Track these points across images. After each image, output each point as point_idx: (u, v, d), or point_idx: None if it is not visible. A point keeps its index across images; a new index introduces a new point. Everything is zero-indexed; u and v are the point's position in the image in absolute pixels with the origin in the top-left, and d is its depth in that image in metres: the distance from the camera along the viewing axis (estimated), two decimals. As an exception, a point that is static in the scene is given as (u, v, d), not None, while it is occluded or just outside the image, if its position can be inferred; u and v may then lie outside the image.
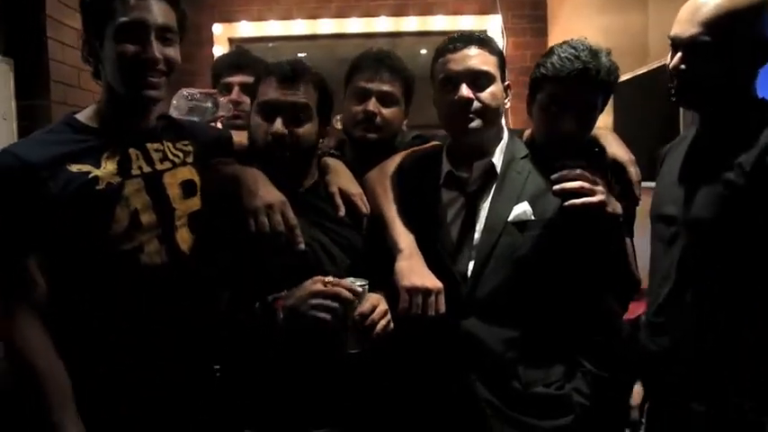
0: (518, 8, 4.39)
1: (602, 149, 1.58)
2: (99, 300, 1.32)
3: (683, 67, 1.33)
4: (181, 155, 1.46)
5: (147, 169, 1.39)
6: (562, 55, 1.47)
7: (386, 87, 1.78)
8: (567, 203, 1.42)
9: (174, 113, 1.80)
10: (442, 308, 1.35)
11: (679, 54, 1.33)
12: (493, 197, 1.48)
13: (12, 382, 1.30)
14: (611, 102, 1.62)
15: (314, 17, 4.42)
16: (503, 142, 1.54)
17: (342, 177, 1.58)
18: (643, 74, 2.77)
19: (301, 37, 4.43)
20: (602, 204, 1.41)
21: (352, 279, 1.36)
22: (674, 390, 1.37)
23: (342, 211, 1.51)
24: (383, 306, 1.37)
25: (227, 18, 4.42)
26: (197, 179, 1.46)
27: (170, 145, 1.45)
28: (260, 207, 1.38)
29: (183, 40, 1.42)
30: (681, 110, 2.36)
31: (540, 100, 1.52)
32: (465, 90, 1.44)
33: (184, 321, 1.38)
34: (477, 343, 1.41)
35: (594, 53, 1.48)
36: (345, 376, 1.42)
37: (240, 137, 1.63)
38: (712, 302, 1.30)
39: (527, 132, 1.63)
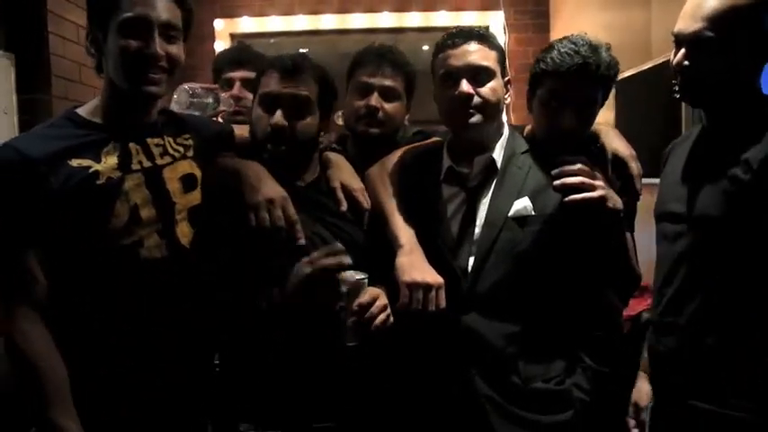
0: (520, 4, 4.38)
1: (603, 145, 1.58)
2: (99, 294, 1.32)
3: (686, 63, 1.32)
4: (181, 149, 1.46)
5: (147, 164, 1.39)
6: (562, 50, 1.47)
7: (388, 82, 1.78)
8: (567, 199, 1.42)
9: (174, 108, 1.80)
10: (443, 303, 1.36)
11: (682, 50, 1.33)
12: (493, 192, 1.48)
13: (11, 381, 1.30)
14: (613, 98, 1.62)
15: (316, 13, 4.41)
16: (503, 138, 1.54)
17: (344, 172, 1.58)
18: (645, 70, 2.76)
19: (303, 32, 4.42)
20: (602, 199, 1.41)
21: (351, 272, 1.36)
22: (679, 390, 1.36)
23: (343, 206, 1.51)
24: (383, 300, 1.37)
25: (229, 13, 4.41)
26: (197, 173, 1.46)
27: (170, 140, 1.45)
28: (261, 202, 1.38)
29: (187, 36, 1.42)
30: (683, 106, 2.36)
31: (540, 95, 1.52)
32: (465, 85, 1.44)
33: (184, 315, 1.38)
34: (477, 338, 1.41)
35: (594, 48, 1.47)
36: (345, 371, 1.42)
37: (242, 132, 1.63)
38: (719, 301, 1.30)
39: (528, 128, 1.63)
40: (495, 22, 4.28)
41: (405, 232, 1.47)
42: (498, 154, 1.51)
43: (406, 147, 1.68)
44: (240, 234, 1.39)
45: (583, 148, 1.51)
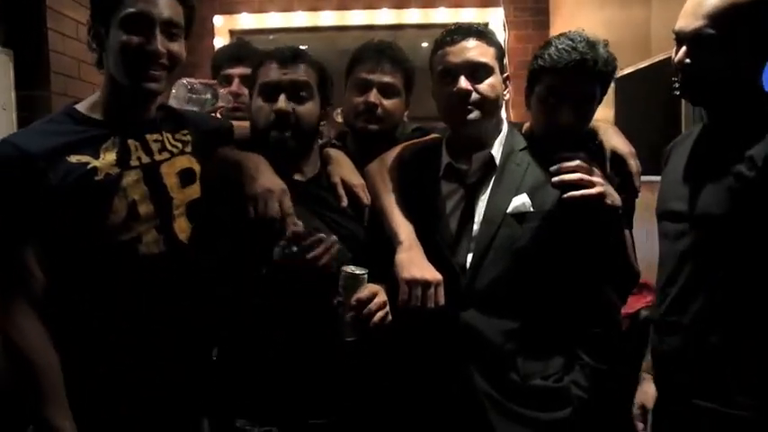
0: (520, 1, 4.38)
1: (601, 142, 1.58)
2: (97, 290, 1.32)
3: (687, 61, 1.31)
4: (180, 145, 1.46)
5: (145, 160, 1.39)
6: (559, 46, 1.47)
7: (387, 78, 1.78)
8: (566, 195, 1.42)
9: (173, 103, 1.80)
10: (442, 300, 1.36)
11: (684, 48, 1.32)
12: (492, 189, 1.48)
13: (8, 377, 1.31)
14: (612, 95, 1.62)
15: (315, 9, 4.41)
16: (502, 134, 1.54)
17: (344, 168, 1.58)
18: (645, 67, 2.76)
19: (302, 29, 4.42)
20: (601, 196, 1.41)
21: (351, 267, 1.36)
22: (683, 389, 1.35)
23: (344, 202, 1.51)
24: (382, 297, 1.37)
25: (228, 10, 4.41)
26: (196, 167, 1.46)
27: (169, 136, 1.45)
28: (259, 192, 1.38)
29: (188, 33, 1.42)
30: (682, 104, 2.36)
31: (539, 92, 1.52)
32: (463, 82, 1.44)
33: (182, 311, 1.38)
34: (475, 335, 1.41)
35: (592, 44, 1.47)
36: (343, 367, 1.43)
37: (241, 128, 1.63)
38: (723, 300, 1.29)
39: (526, 125, 1.63)
40: (495, 18, 4.28)
41: (404, 228, 1.47)
42: (497, 151, 1.51)
43: (405, 143, 1.68)
44: (238, 226, 1.39)
45: (581, 145, 1.51)
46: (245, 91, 1.87)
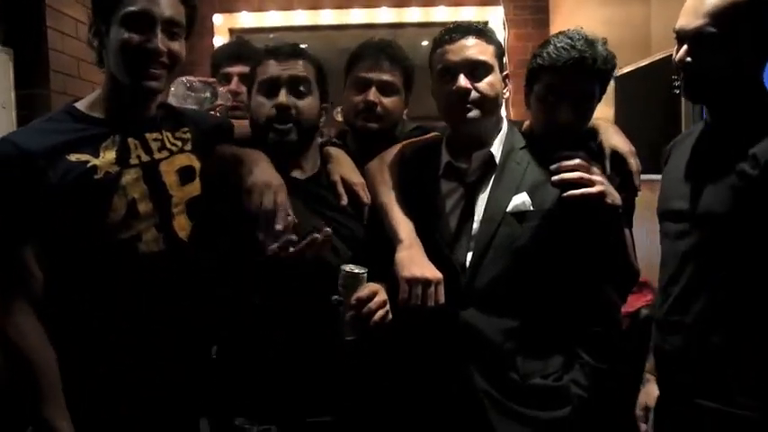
0: (520, -1, 4.37)
1: (601, 140, 1.57)
2: (97, 289, 1.32)
3: (689, 59, 1.31)
4: (179, 143, 1.46)
5: (145, 158, 1.39)
6: (558, 45, 1.46)
7: (386, 77, 1.78)
8: (566, 194, 1.42)
9: (171, 101, 1.80)
10: (442, 299, 1.35)
11: (685, 47, 1.32)
12: (492, 188, 1.48)
13: (6, 376, 1.31)
14: (612, 94, 1.61)
15: (315, 8, 4.39)
16: (502, 133, 1.54)
17: (344, 167, 1.58)
18: (645, 66, 2.76)
19: (302, 27, 4.41)
20: (601, 195, 1.41)
21: (351, 266, 1.36)
22: (685, 388, 1.35)
23: (344, 201, 1.51)
24: (382, 296, 1.37)
25: (228, 8, 4.40)
26: (196, 165, 1.46)
27: (169, 134, 1.45)
28: (256, 184, 1.38)
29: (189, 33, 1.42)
30: (682, 102, 2.35)
31: (538, 90, 1.52)
32: (463, 80, 1.44)
33: (182, 309, 1.38)
34: (475, 333, 1.41)
35: (590, 42, 1.47)
36: (343, 366, 1.43)
37: (240, 127, 1.63)
38: (726, 299, 1.29)
39: (526, 123, 1.63)
40: (495, 17, 4.27)
41: (404, 227, 1.47)
42: (497, 149, 1.51)
43: (405, 142, 1.68)
44: (238, 222, 1.39)
45: (581, 144, 1.51)
46: (244, 89, 1.88)
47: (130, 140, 1.38)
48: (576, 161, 1.44)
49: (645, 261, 1.63)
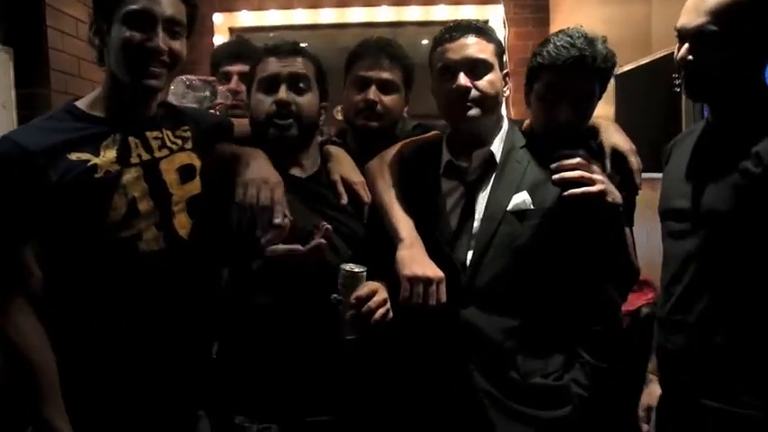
0: (520, -2, 4.37)
1: (602, 139, 1.57)
2: (98, 288, 1.32)
3: (690, 58, 1.31)
4: (179, 141, 1.46)
5: (145, 157, 1.39)
6: (558, 43, 1.46)
7: (386, 75, 1.77)
8: (566, 193, 1.42)
9: (171, 99, 1.80)
10: (443, 297, 1.35)
11: (686, 45, 1.32)
12: (492, 186, 1.48)
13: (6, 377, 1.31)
14: (612, 92, 1.61)
15: (315, 6, 4.39)
16: (502, 131, 1.54)
17: (344, 165, 1.58)
18: (645, 64, 2.75)
19: (302, 26, 4.41)
20: (601, 194, 1.41)
21: (351, 265, 1.36)
22: (688, 388, 1.35)
23: (344, 200, 1.51)
24: (382, 295, 1.37)
25: (228, 7, 4.40)
26: (196, 163, 1.46)
27: (169, 133, 1.45)
28: (253, 180, 1.38)
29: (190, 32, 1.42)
30: (683, 100, 2.35)
31: (538, 89, 1.52)
32: (463, 79, 1.44)
33: (182, 308, 1.38)
34: (475, 332, 1.41)
35: (590, 41, 1.47)
36: (343, 364, 1.42)
37: (240, 125, 1.63)
38: (729, 298, 1.28)
39: (526, 122, 1.63)
40: (495, 16, 4.27)
41: (405, 225, 1.47)
42: (497, 148, 1.51)
43: (406, 140, 1.68)
44: (237, 220, 1.39)
45: (581, 142, 1.51)
46: (244, 88, 1.88)
47: (131, 139, 1.38)
48: (577, 160, 1.44)
49: (645, 260, 1.63)
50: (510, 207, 1.44)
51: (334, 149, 1.63)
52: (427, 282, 1.34)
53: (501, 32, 4.11)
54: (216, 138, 1.55)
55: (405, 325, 1.40)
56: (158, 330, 1.36)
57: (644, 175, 1.56)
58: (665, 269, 1.43)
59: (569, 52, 1.44)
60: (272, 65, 1.50)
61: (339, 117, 1.92)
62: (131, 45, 1.31)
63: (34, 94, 2.94)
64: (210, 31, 4.34)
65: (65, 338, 1.31)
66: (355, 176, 1.56)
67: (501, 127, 1.54)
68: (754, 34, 1.26)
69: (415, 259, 1.39)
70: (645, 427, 1.52)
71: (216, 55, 2.29)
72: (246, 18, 4.40)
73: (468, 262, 1.44)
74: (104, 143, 1.34)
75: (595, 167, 1.45)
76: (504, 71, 1.52)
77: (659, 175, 1.55)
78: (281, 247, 1.34)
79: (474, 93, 1.44)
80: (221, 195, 1.44)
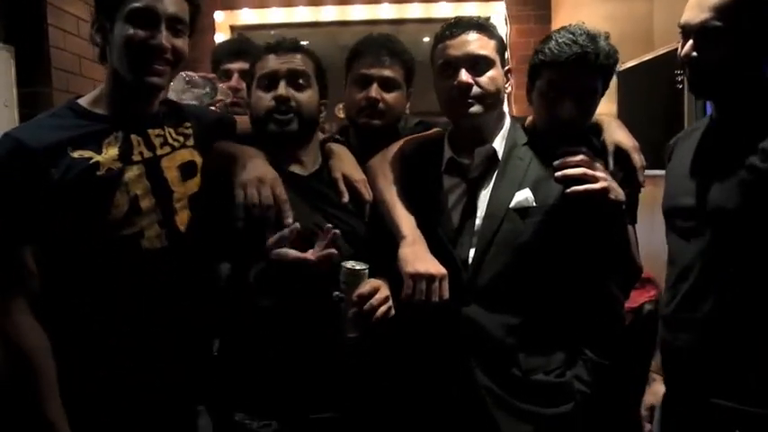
0: (522, -5, 4.36)
1: (604, 136, 1.57)
2: (100, 285, 1.32)
3: (694, 54, 1.30)
4: (181, 138, 1.46)
5: (147, 154, 1.39)
6: (560, 40, 1.45)
7: (387, 72, 1.77)
8: (569, 190, 1.41)
9: (171, 96, 1.80)
10: (446, 294, 1.35)
11: (690, 41, 1.31)
12: (494, 184, 1.47)
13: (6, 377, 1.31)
14: (614, 89, 1.61)
15: (316, 4, 4.39)
16: (504, 128, 1.53)
17: (346, 163, 1.57)
18: (647, 61, 2.75)
19: (303, 24, 4.40)
20: (604, 191, 1.40)
21: (352, 262, 1.36)
22: (696, 386, 1.34)
23: (345, 198, 1.50)
24: (384, 292, 1.37)
25: (229, 5, 4.40)
26: (198, 160, 1.46)
27: (171, 130, 1.45)
28: (250, 180, 1.38)
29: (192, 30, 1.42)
30: (685, 97, 2.35)
31: (540, 86, 1.51)
32: (464, 75, 1.43)
33: (184, 305, 1.38)
34: (477, 329, 1.41)
35: (593, 37, 1.46)
36: (345, 362, 1.42)
37: (241, 122, 1.63)
38: (738, 295, 1.28)
39: (528, 119, 1.62)
40: (497, 13, 4.25)
41: (407, 223, 1.47)
42: (499, 145, 1.50)
43: (408, 137, 1.67)
44: (236, 218, 1.39)
45: (584, 139, 1.51)
46: (244, 86, 1.88)
47: (133, 137, 1.38)
48: (580, 157, 1.43)
49: (647, 257, 1.62)
50: (512, 204, 1.44)
51: (335, 147, 1.62)
52: (430, 279, 1.34)
53: (502, 29, 4.10)
54: (218, 135, 1.55)
55: (407, 322, 1.40)
56: (159, 327, 1.36)
57: (647, 172, 1.56)
58: (671, 267, 1.43)
59: (572, 49, 1.43)
60: (272, 62, 1.50)
61: (341, 115, 1.92)
62: (135, 43, 1.31)
63: (36, 92, 2.94)
64: (212, 28, 4.33)
65: (66, 336, 1.31)
66: (357, 174, 1.56)
67: (503, 124, 1.54)
68: (758, 29, 1.26)
69: (417, 256, 1.39)
70: (647, 426, 1.51)
71: (217, 53, 2.29)
72: (248, 16, 4.40)
73: (470, 259, 1.44)
74: (107, 141, 1.34)
75: (598, 164, 1.45)
76: (506, 68, 1.52)
77: (661, 172, 1.55)
78: (291, 253, 1.33)
79: (475, 89, 1.44)
80: (220, 193, 1.43)
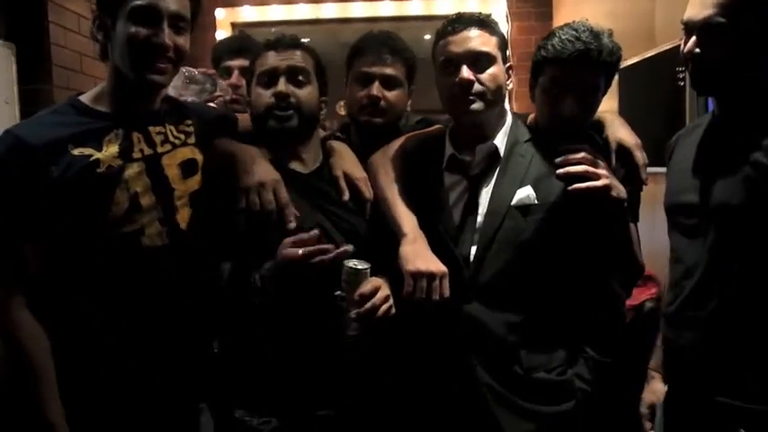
0: (523, -8, 4.35)
1: (607, 134, 1.56)
2: (100, 283, 1.33)
3: (697, 51, 1.29)
4: (182, 136, 1.46)
5: (148, 152, 1.39)
6: (563, 37, 1.45)
7: (388, 70, 1.76)
8: (571, 187, 1.41)
9: (171, 92, 1.79)
10: (447, 292, 1.35)
11: (693, 38, 1.30)
12: (496, 181, 1.47)
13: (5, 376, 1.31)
14: (616, 85, 1.60)
15: (317, 1, 4.38)
16: (506, 125, 1.53)
17: (346, 161, 1.57)
18: (649, 58, 2.74)
19: (304, 21, 4.40)
20: (606, 188, 1.40)
21: (354, 261, 1.36)
22: (700, 384, 1.33)
23: (346, 196, 1.50)
24: (385, 291, 1.37)
25: (230, 2, 4.39)
26: (199, 157, 1.46)
27: (172, 128, 1.45)
28: (252, 185, 1.38)
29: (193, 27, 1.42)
30: (687, 94, 2.34)
31: (542, 83, 1.50)
32: (465, 72, 1.43)
33: (185, 302, 1.38)
34: (479, 327, 1.41)
35: (596, 34, 1.45)
36: (347, 359, 1.42)
37: (241, 120, 1.63)
38: (744, 293, 1.27)
39: (530, 116, 1.62)
40: (498, 10, 4.24)
41: (408, 220, 1.46)
42: (501, 142, 1.50)
43: (409, 134, 1.67)
44: (236, 218, 1.39)
45: (586, 137, 1.50)
46: (244, 83, 1.88)
47: (134, 134, 1.38)
48: (582, 154, 1.43)
49: (649, 254, 1.62)
50: (514, 202, 1.43)
51: (336, 145, 1.62)
52: (430, 277, 1.34)
53: (504, 27, 4.09)
54: (219, 132, 1.54)
55: (408, 320, 1.40)
56: (160, 325, 1.36)
57: (648, 169, 1.55)
58: (674, 265, 1.42)
59: (574, 46, 1.43)
60: (271, 59, 1.50)
61: (342, 112, 1.91)
62: (137, 41, 1.30)
63: (36, 90, 2.94)
64: (213, 26, 4.33)
65: (66, 334, 1.31)
66: (358, 172, 1.56)
67: (505, 121, 1.53)
68: (762, 25, 1.25)
69: (418, 254, 1.38)
70: (648, 424, 1.51)
71: (217, 50, 2.29)
72: (248, 13, 4.40)
73: (471, 257, 1.43)
74: (107, 138, 1.34)
75: (600, 162, 1.44)
76: (508, 64, 1.52)
77: (663, 169, 1.54)
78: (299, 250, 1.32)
79: (477, 86, 1.43)
80: (221, 192, 1.43)
